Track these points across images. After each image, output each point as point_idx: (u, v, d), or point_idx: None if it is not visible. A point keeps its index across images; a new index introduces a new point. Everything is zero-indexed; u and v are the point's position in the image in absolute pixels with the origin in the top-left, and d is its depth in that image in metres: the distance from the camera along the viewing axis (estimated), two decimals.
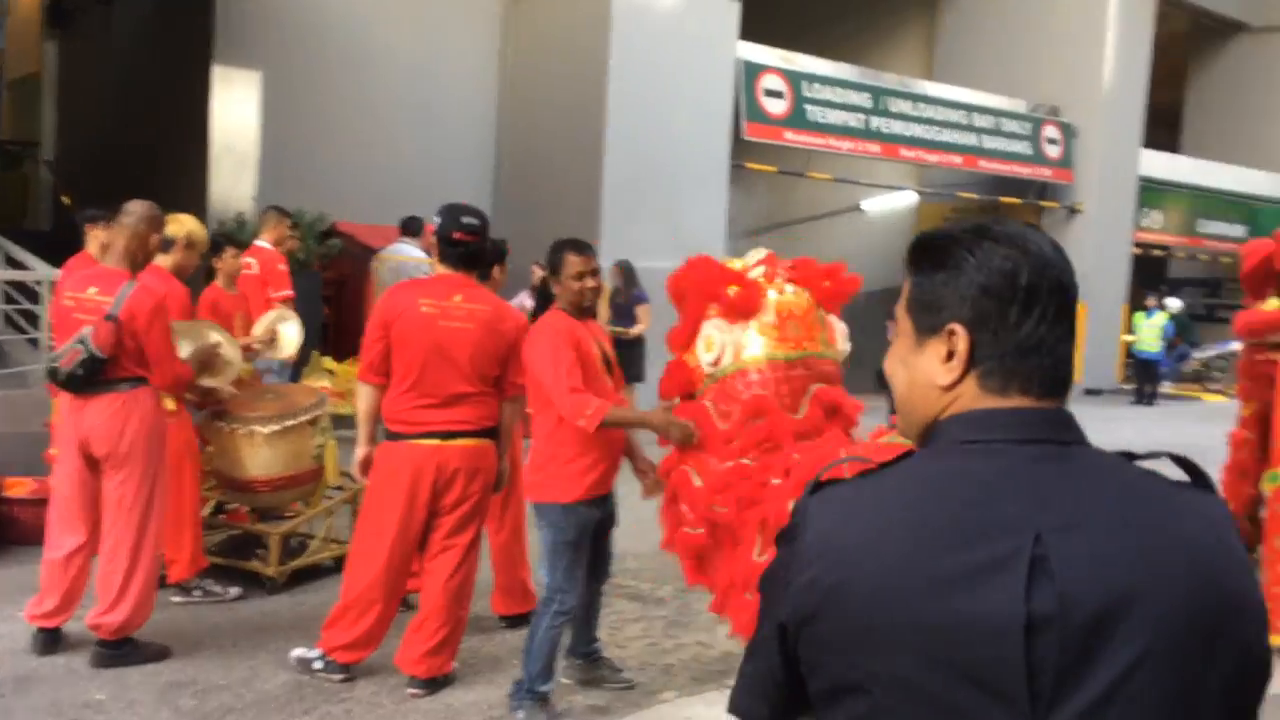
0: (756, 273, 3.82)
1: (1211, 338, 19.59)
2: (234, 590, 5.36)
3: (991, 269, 1.20)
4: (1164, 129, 20.73)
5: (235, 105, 11.93)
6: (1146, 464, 1.19)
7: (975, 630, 1.07)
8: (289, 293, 7.19)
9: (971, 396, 1.22)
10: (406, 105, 12.80)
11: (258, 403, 5.59)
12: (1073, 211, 17.08)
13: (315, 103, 12.15)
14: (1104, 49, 17.06)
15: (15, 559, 5.70)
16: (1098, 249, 16.86)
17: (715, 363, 3.77)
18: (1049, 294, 1.19)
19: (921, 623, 1.09)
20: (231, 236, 6.72)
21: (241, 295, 6.36)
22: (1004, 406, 1.19)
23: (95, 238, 5.68)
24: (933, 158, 15.50)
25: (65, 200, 16.07)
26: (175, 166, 12.73)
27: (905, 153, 15.15)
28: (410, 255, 9.95)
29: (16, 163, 20.03)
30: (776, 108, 13.65)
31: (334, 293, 11.73)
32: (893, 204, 18.84)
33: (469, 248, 4.37)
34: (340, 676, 4.37)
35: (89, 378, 4.33)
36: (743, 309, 3.75)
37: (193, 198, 10.87)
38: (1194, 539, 1.10)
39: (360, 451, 4.41)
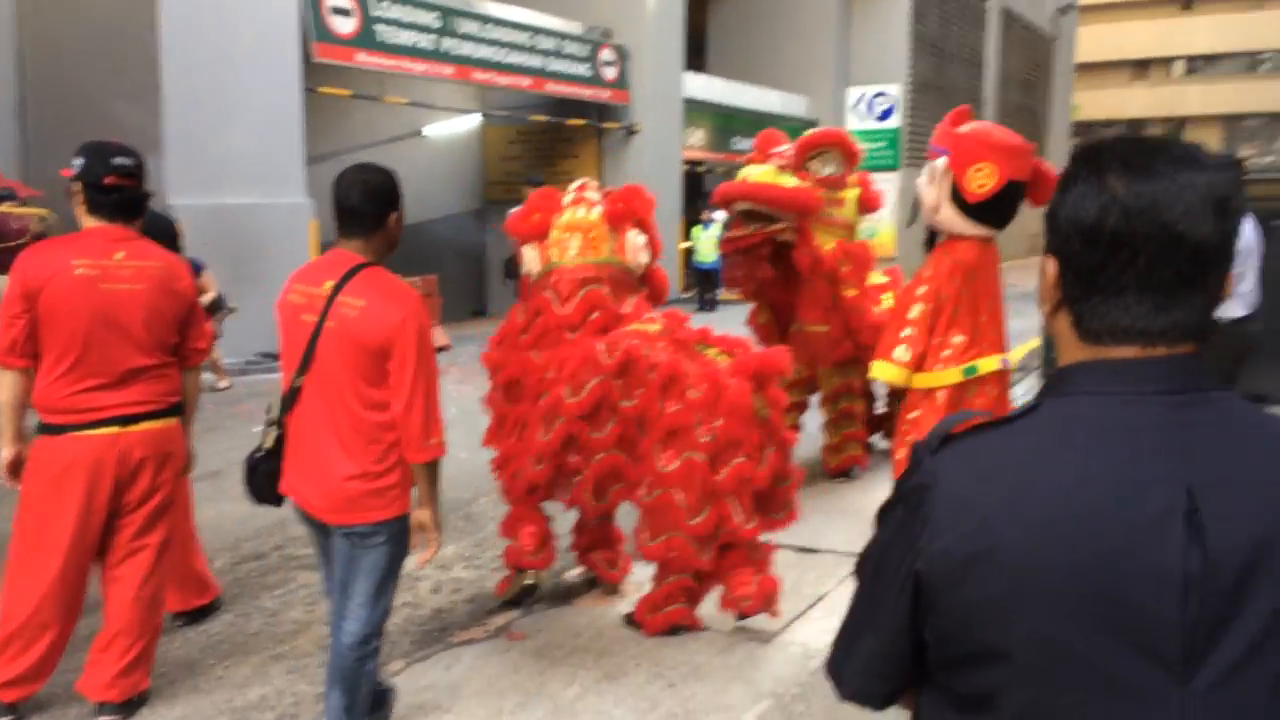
0: (569, 198, 4.58)
1: None
2: None
3: (1082, 205, 1.13)
4: (693, 52, 22.17)
5: None
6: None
7: (1134, 590, 1.04)
8: None
9: (1074, 342, 1.16)
10: None
11: None
12: (630, 132, 17.86)
13: None
14: None
15: None
16: (655, 167, 17.80)
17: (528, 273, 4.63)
18: (1146, 241, 1.09)
19: (1078, 585, 1.05)
20: None
21: None
22: (1138, 357, 1.12)
23: None
24: (504, 80, 15.44)
25: None
26: None
27: (478, 75, 14.95)
28: None
29: None
30: (345, 27, 12.86)
31: None
32: (455, 128, 18.63)
33: (125, 193, 3.69)
34: (7, 719, 3.61)
35: None
36: (535, 234, 4.55)
37: None
38: None
39: (7, 452, 3.60)
